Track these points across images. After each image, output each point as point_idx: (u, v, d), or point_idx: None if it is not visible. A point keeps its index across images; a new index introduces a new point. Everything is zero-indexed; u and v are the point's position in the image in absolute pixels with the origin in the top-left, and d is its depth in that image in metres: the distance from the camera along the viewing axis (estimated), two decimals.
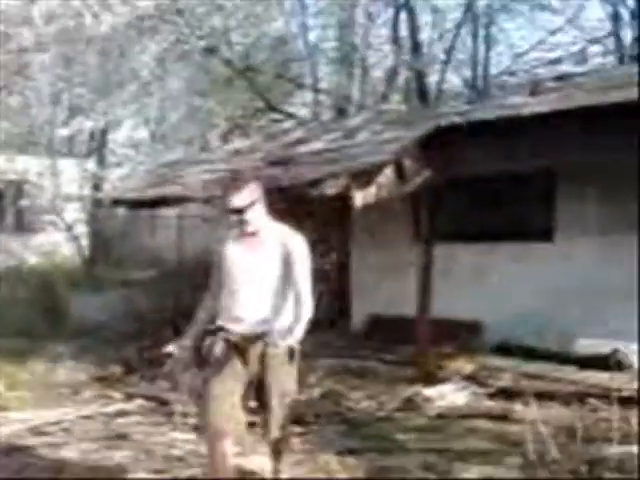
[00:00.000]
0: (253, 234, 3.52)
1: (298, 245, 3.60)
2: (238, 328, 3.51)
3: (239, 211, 3.40)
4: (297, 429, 5.53)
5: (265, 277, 3.50)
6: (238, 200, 3.40)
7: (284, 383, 3.56)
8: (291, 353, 3.55)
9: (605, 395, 5.49)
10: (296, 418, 5.74)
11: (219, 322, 3.57)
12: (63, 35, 11.40)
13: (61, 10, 11.36)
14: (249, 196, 3.43)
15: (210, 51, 11.71)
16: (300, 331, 3.57)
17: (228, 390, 3.48)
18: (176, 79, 13.13)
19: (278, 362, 3.51)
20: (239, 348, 3.51)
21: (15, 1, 10.78)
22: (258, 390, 3.56)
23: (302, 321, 3.57)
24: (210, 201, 7.18)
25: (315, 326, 9.83)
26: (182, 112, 14.13)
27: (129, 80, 12.35)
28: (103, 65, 12.20)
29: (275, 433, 3.54)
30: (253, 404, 3.70)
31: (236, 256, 3.56)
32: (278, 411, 3.53)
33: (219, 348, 3.49)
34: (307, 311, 3.58)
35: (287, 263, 3.52)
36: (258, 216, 3.51)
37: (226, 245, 3.60)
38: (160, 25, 11.92)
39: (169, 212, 11.08)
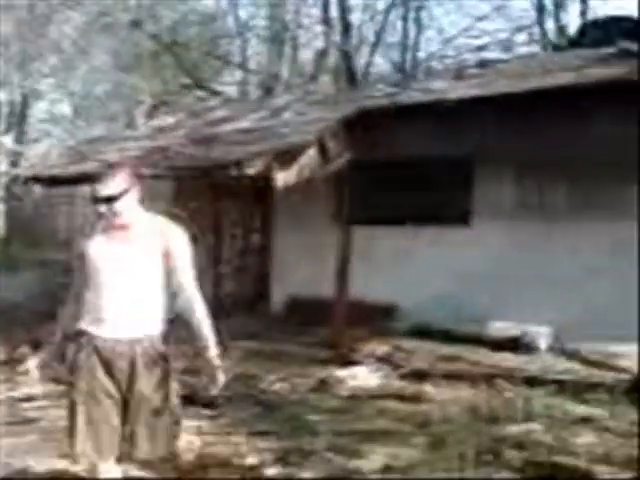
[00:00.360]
0: (124, 227, 3.09)
1: (179, 238, 3.18)
2: (105, 332, 3.07)
3: (108, 200, 2.97)
4: (209, 412, 5.54)
5: (140, 274, 3.10)
6: (107, 189, 2.98)
7: (158, 398, 3.16)
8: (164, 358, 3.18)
9: (512, 376, 5.64)
10: (208, 401, 5.75)
11: (82, 325, 3.12)
12: None
13: None
14: (120, 185, 3.00)
15: (135, 24, 11.38)
16: (211, 333, 3.23)
17: (102, 413, 3.04)
18: (101, 53, 12.71)
19: (151, 372, 3.13)
20: (105, 357, 3.07)
21: None
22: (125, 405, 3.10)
23: (205, 321, 3.24)
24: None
25: (234, 308, 9.81)
26: (107, 87, 13.70)
27: (50, 52, 11.90)
28: (21, 35, 11.68)
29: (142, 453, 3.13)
30: None
31: (103, 251, 3.10)
32: (145, 430, 3.11)
33: (83, 357, 3.06)
34: (201, 308, 3.25)
35: (167, 258, 3.13)
36: (130, 207, 3.07)
37: (90, 238, 3.13)
38: None
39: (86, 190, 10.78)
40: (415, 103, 7.08)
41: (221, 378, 3.27)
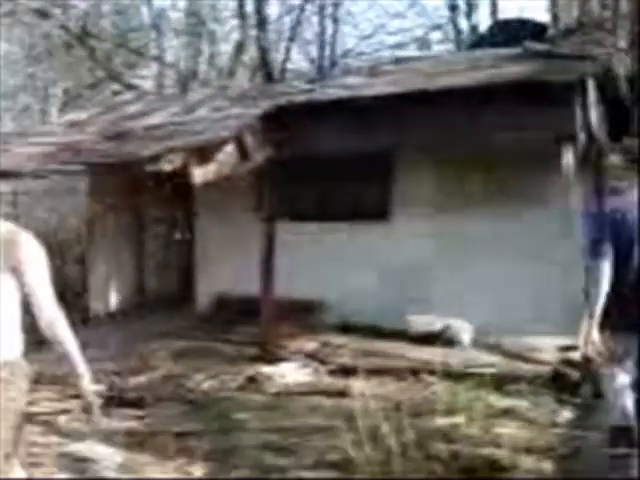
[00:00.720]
0: None
1: (28, 245, 2.84)
2: None
3: None
4: (137, 412, 5.51)
5: None
6: None
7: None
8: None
9: (434, 370, 5.71)
10: (136, 401, 5.69)
11: None
12: None
13: None
14: None
15: (42, 14, 11.01)
16: (79, 357, 2.97)
17: None
18: (9, 43, 12.27)
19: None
20: None
21: None
22: None
23: (71, 346, 2.97)
24: (40, 175, 6.84)
25: (158, 306, 9.69)
26: (17, 80, 13.24)
27: None
28: None
29: None
30: None
31: None
32: None
33: None
34: (64, 332, 2.93)
35: (14, 268, 2.76)
36: None
37: None
38: None
39: (4, 187, 10.41)
40: (331, 99, 7.17)
41: (97, 407, 2.95)
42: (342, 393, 5.74)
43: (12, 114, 12.63)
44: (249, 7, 13.04)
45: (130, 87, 12.65)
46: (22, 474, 3.02)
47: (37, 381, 6.18)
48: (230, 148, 6.52)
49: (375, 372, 6.00)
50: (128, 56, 14.13)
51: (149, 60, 14.11)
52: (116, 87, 12.79)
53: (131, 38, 14.21)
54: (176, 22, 14.10)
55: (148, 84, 14.01)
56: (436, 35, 15.88)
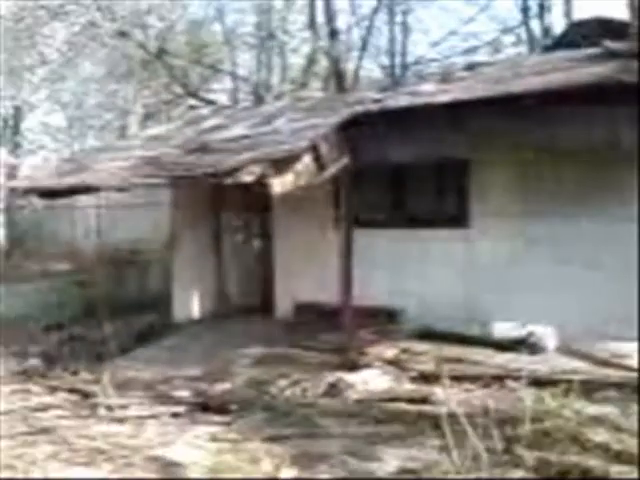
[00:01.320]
0: None
1: None
2: None
3: None
4: (223, 418, 5.62)
5: None
6: None
7: None
8: None
9: (519, 377, 5.67)
10: (221, 407, 5.83)
11: None
12: None
13: None
14: None
15: (123, 34, 11.43)
16: None
17: None
18: (91, 63, 12.77)
19: None
20: None
21: None
22: None
23: None
24: (125, 189, 7.08)
25: (239, 314, 9.82)
26: (99, 97, 13.76)
27: (39, 64, 11.94)
28: (11, 48, 11.73)
29: None
30: None
31: None
32: None
33: None
34: None
35: None
36: None
37: None
38: (70, 7, 11.58)
39: (88, 201, 10.82)
40: (405, 107, 7.17)
41: None
42: (425, 400, 5.77)
43: (95, 130, 13.11)
44: (319, 18, 13.19)
45: (206, 101, 12.97)
46: None
47: (127, 386, 6.46)
48: (307, 158, 6.60)
49: (458, 379, 5.97)
50: (202, 71, 14.49)
51: (223, 74, 14.43)
52: (193, 102, 13.14)
53: (205, 54, 14.56)
54: (247, 36, 14.38)
55: (223, 98, 14.33)
56: (508, 38, 15.69)
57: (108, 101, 13.32)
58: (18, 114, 12.96)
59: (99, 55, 12.36)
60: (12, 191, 9.33)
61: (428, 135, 6.98)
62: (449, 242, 7.84)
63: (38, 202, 6.87)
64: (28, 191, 8.78)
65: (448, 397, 5.34)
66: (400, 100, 7.56)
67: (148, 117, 12.79)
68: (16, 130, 13.80)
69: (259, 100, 12.30)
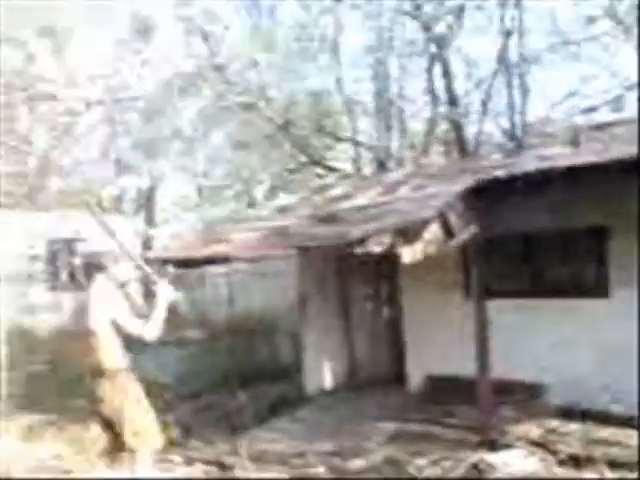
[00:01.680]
0: None
1: None
2: None
3: None
4: None
5: None
6: None
7: None
8: None
9: None
10: None
11: None
12: (108, 95, 11.85)
13: (105, 71, 11.84)
14: None
15: (249, 107, 12.01)
16: None
17: None
18: (219, 135, 13.47)
19: None
20: None
21: (62, 64, 11.29)
22: None
23: None
24: (257, 260, 7.36)
25: (371, 385, 9.72)
26: (226, 168, 14.42)
27: (173, 137, 12.70)
28: (147, 123, 12.58)
29: None
30: None
31: None
32: None
33: None
34: None
35: None
36: None
37: None
38: (200, 82, 12.30)
39: (217, 269, 11.25)
40: (534, 172, 7.10)
41: None
42: None
43: (224, 201, 13.70)
44: (437, 83, 13.36)
45: (330, 169, 13.34)
46: None
47: (262, 458, 6.53)
48: (435, 227, 6.64)
49: (613, 465, 5.68)
50: (324, 140, 14.93)
51: (344, 142, 14.80)
52: (318, 171, 13.53)
53: (326, 123, 15.00)
54: (366, 104, 14.73)
55: (345, 165, 14.68)
56: (632, 95, 15.22)
57: (235, 171, 13.92)
58: (153, 186, 13.78)
59: (227, 127, 13.00)
60: (149, 262, 9.90)
61: (560, 200, 6.85)
62: (589, 313, 7.54)
63: (172, 271, 7.23)
64: (165, 261, 9.29)
65: None
66: (527, 165, 7.52)
67: (276, 187, 13.28)
68: (150, 201, 14.66)
69: (381, 166, 12.51)
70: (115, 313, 5.00)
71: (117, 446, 5.15)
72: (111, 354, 5.02)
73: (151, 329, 5.09)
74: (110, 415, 5.02)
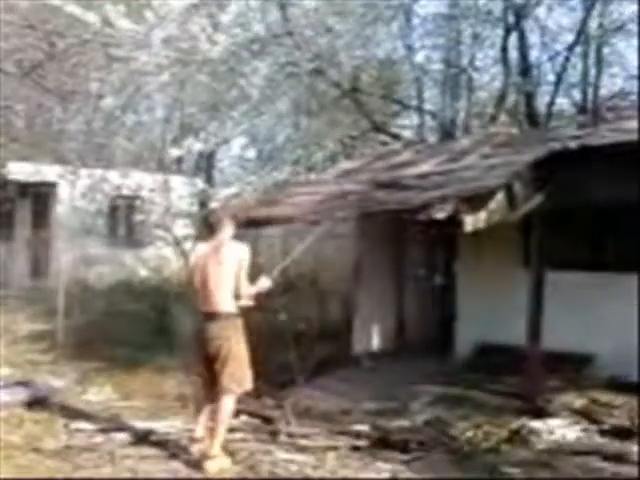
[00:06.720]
0: None
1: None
2: None
3: None
4: (402, 456, 5.57)
5: None
6: None
7: None
8: None
9: None
10: (400, 444, 5.76)
11: None
12: (179, 58, 11.88)
13: (179, 34, 11.85)
14: None
15: (318, 72, 11.85)
16: None
17: None
18: (284, 100, 13.38)
19: None
20: None
21: (137, 27, 11.35)
22: None
23: None
24: (318, 222, 7.28)
25: (419, 351, 9.72)
26: (289, 132, 14.35)
27: (240, 101, 12.65)
28: (214, 86, 12.55)
29: None
30: None
31: None
32: None
33: None
34: None
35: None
36: None
37: None
38: (270, 47, 12.19)
39: (272, 231, 11.24)
40: (611, 144, 6.80)
41: None
42: (620, 457, 5.38)
43: (286, 165, 13.63)
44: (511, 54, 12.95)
45: (394, 137, 13.11)
46: None
47: (306, 414, 6.56)
48: (500, 196, 6.45)
49: None
50: (390, 107, 14.67)
51: (410, 111, 14.52)
52: (381, 137, 13.32)
53: (394, 90, 14.74)
54: (435, 72, 14.41)
55: (408, 133, 14.42)
56: None
57: (299, 136, 13.82)
58: (215, 148, 13.79)
59: (293, 92, 12.87)
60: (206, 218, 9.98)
61: (635, 174, 6.55)
62: None
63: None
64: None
65: None
66: (602, 138, 7.21)
67: (338, 152, 13.13)
68: (212, 162, 14.71)
69: (446, 135, 12.24)
70: (238, 268, 5.35)
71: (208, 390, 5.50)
72: (227, 298, 5.35)
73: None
74: (215, 354, 5.32)
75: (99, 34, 12.30)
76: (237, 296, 5.39)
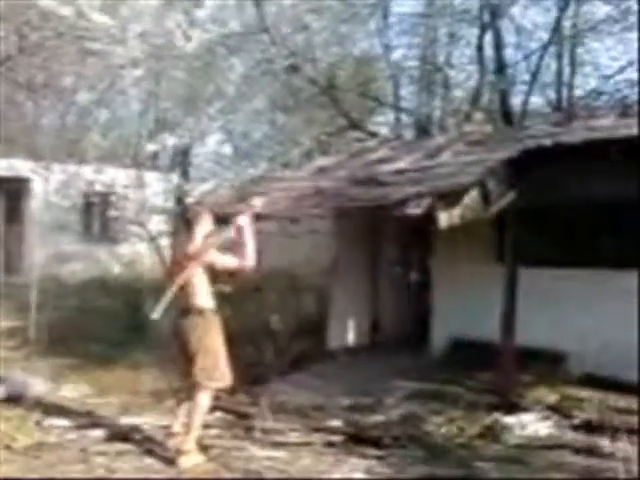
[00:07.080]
0: None
1: None
2: None
3: None
4: (377, 452, 5.59)
5: None
6: None
7: None
8: None
9: None
10: (375, 440, 5.79)
11: None
12: (154, 52, 11.79)
13: (154, 29, 11.75)
14: None
15: (294, 69, 11.84)
16: None
17: None
18: (261, 96, 13.34)
19: None
20: None
21: (112, 21, 11.23)
22: None
23: None
24: (293, 219, 7.28)
25: (393, 346, 9.77)
26: (265, 129, 14.32)
27: (216, 97, 12.60)
28: (190, 82, 12.49)
29: None
30: None
31: None
32: None
33: None
34: None
35: None
36: None
37: None
38: (246, 44, 12.16)
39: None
40: (585, 142, 6.87)
41: None
42: (590, 451, 5.45)
43: (260, 161, 13.60)
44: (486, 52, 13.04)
45: (370, 134, 13.14)
46: None
47: (280, 410, 6.57)
48: (474, 193, 6.50)
49: (628, 431, 5.61)
50: (366, 104, 14.70)
51: (386, 107, 14.57)
52: (357, 134, 13.34)
53: (370, 88, 14.77)
54: (412, 70, 14.47)
55: (385, 130, 14.46)
56: None
57: (275, 133, 13.82)
58: (190, 143, 13.71)
59: (269, 89, 12.85)
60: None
61: (608, 172, 6.63)
62: (616, 284, 7.33)
63: None
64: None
65: (618, 451, 5.01)
66: (575, 135, 7.28)
67: (314, 149, 13.11)
68: (187, 158, 14.62)
69: (422, 133, 12.30)
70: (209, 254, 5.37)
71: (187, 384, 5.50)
72: (201, 293, 5.37)
73: (250, 258, 5.46)
74: (188, 349, 5.33)
75: (73, 27, 12.15)
76: (231, 274, 5.64)
